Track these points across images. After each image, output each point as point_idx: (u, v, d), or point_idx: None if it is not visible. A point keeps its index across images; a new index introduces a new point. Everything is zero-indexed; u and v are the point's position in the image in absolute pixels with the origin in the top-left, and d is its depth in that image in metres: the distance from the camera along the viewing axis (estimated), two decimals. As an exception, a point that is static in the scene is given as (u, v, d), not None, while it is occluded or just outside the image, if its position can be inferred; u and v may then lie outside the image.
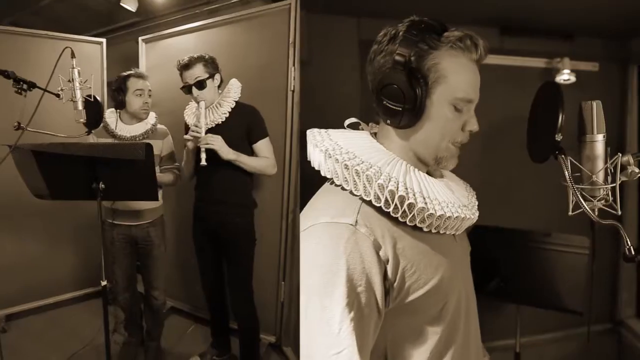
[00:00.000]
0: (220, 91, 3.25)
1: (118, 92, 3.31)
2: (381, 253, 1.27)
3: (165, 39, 4.21)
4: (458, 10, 2.58)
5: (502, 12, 3.12)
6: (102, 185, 2.52)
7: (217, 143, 2.96)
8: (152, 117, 3.47)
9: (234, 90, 3.22)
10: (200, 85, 3.09)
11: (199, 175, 3.26)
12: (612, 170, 1.46)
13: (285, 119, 3.52)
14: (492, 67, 2.84)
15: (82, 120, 2.63)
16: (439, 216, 1.32)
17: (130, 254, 3.46)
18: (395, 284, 1.30)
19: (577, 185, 1.44)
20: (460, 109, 1.35)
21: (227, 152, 2.99)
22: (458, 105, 1.35)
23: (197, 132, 3.00)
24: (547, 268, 2.79)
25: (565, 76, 3.38)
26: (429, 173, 1.49)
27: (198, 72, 3.10)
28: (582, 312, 2.68)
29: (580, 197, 1.41)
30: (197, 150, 3.02)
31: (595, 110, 1.46)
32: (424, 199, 1.31)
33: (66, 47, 2.54)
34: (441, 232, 1.38)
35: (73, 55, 2.55)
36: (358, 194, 1.32)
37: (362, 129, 1.56)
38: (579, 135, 1.49)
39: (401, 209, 1.29)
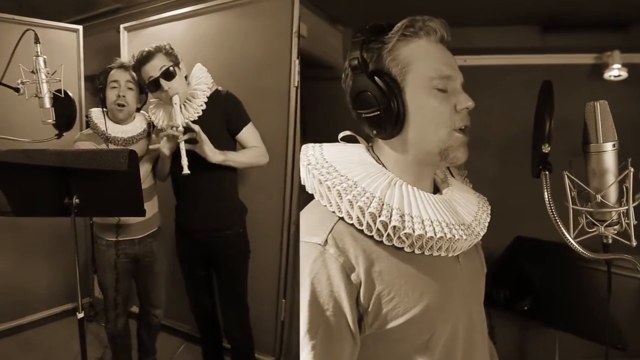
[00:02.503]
0: (189, 82, 2.81)
1: (101, 88, 2.84)
2: (353, 276, 1.20)
3: (150, 26, 3.77)
4: (495, 9, 2.53)
5: (542, 8, 2.78)
6: (76, 200, 2.12)
7: (203, 142, 2.56)
8: (144, 115, 3.05)
9: (204, 76, 2.80)
10: (168, 74, 2.63)
11: (177, 180, 2.84)
12: (627, 188, 1.26)
13: (288, 118, 3.12)
14: (533, 67, 2.76)
15: (50, 120, 2.18)
16: (419, 236, 1.20)
17: (130, 273, 3.08)
18: (370, 309, 1.23)
19: (579, 207, 1.31)
20: (443, 89, 1.25)
21: (213, 153, 2.58)
22: (439, 86, 1.24)
23: (175, 131, 2.56)
24: (588, 290, 2.51)
25: (614, 72, 2.90)
26: (436, 185, 1.45)
27: (160, 61, 2.64)
28: (626, 348, 2.35)
29: (584, 220, 1.31)
30: (175, 155, 2.63)
31: (600, 112, 1.27)
32: (402, 216, 1.21)
33: (27, 30, 2.02)
34: (430, 253, 1.26)
35: (37, 40, 2.07)
36: (332, 211, 1.26)
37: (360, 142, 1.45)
38: (583, 144, 1.31)
39: (374, 227, 1.21)
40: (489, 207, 1.47)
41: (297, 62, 3.01)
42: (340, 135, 1.45)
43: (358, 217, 1.21)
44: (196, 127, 2.54)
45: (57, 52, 3.67)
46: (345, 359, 1.24)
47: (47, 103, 2.12)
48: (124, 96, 2.77)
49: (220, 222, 2.84)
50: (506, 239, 2.85)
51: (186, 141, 2.55)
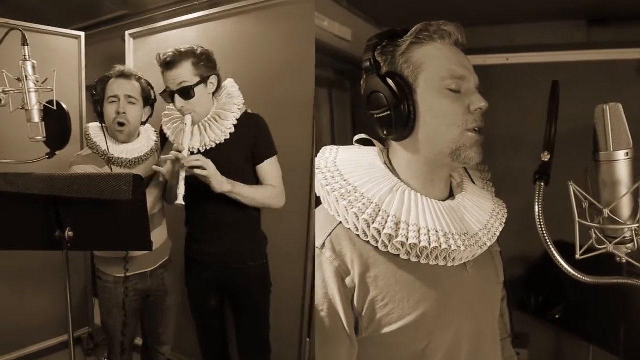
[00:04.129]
0: (216, 98, 2.45)
1: (98, 100, 2.45)
2: (347, 280, 1.23)
3: (158, 33, 3.43)
4: (537, 5, 2.46)
5: (587, 1, 2.63)
6: (69, 233, 1.82)
7: (209, 169, 2.20)
8: (150, 131, 2.67)
9: (236, 94, 2.44)
10: (186, 93, 2.27)
11: (190, 207, 2.42)
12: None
13: (313, 133, 2.78)
14: (578, 64, 2.65)
15: (39, 137, 1.80)
16: (413, 244, 1.20)
17: (139, 311, 2.69)
18: (364, 313, 1.25)
19: (586, 222, 1.21)
20: (456, 90, 1.24)
21: (220, 183, 2.23)
22: (451, 87, 1.24)
23: (177, 153, 2.21)
24: (627, 305, 2.31)
25: (666, 67, 2.73)
26: (451, 189, 1.43)
27: (184, 73, 2.27)
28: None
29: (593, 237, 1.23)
30: (188, 198, 2.27)
31: (610, 117, 1.16)
32: (397, 224, 1.21)
33: (12, 29, 1.65)
34: (427, 262, 1.25)
35: (25, 42, 1.69)
36: (332, 214, 1.29)
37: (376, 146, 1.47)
38: (593, 152, 1.22)
39: (369, 233, 1.22)
40: (505, 216, 1.43)
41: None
42: (356, 137, 1.48)
43: (354, 222, 1.23)
44: (203, 161, 2.19)
45: (58, 61, 3.32)
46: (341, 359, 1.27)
47: (36, 117, 1.74)
48: (124, 113, 2.38)
49: (241, 255, 2.49)
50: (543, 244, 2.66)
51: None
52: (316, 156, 1.44)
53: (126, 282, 2.50)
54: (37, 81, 1.72)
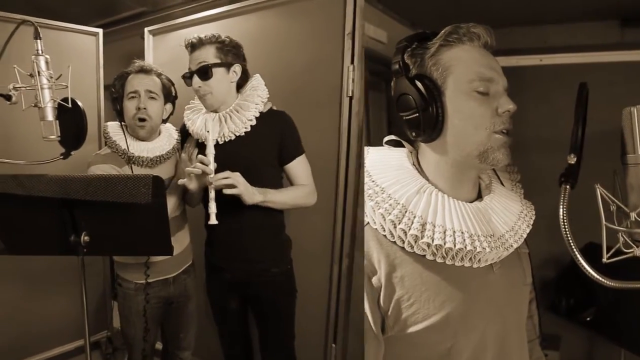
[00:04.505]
0: (241, 92, 2.35)
1: (117, 98, 2.34)
2: (374, 279, 1.25)
3: (178, 29, 3.34)
4: (570, 5, 2.41)
5: (622, 1, 2.55)
6: (85, 238, 1.70)
7: (239, 186, 2.08)
8: (172, 129, 2.55)
9: (260, 87, 2.33)
10: (204, 72, 2.17)
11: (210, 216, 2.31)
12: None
13: (339, 133, 2.64)
14: (612, 65, 2.54)
15: (53, 137, 1.69)
16: (438, 245, 1.21)
17: (160, 318, 2.58)
18: (390, 312, 1.27)
19: (613, 226, 1.18)
20: (484, 92, 1.24)
21: (251, 195, 2.13)
22: (479, 89, 1.24)
23: (204, 167, 2.09)
24: None
25: None
26: (480, 191, 1.43)
27: (206, 54, 2.19)
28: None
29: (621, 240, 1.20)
30: (204, 191, 2.20)
31: (638, 119, 1.14)
32: (423, 225, 1.22)
33: (23, 21, 1.54)
34: (452, 262, 1.25)
35: (37, 35, 1.56)
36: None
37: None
38: (621, 155, 1.20)
39: (395, 234, 1.23)
40: (532, 218, 1.43)
41: (351, 67, 2.55)
42: (386, 139, 1.48)
43: (380, 223, 1.25)
44: (234, 178, 2.08)
45: (75, 58, 3.21)
46: (369, 357, 1.29)
47: (50, 115, 1.63)
48: (144, 108, 2.27)
49: (265, 261, 2.37)
50: (578, 244, 2.57)
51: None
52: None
53: (147, 289, 2.39)
54: (51, 77, 1.61)
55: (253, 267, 2.35)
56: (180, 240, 2.46)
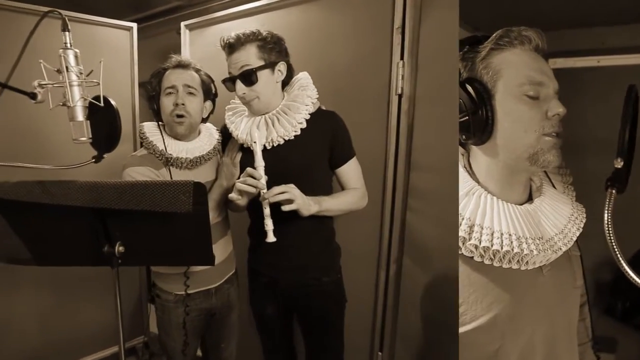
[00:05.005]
0: (287, 91, 2.19)
1: (154, 96, 2.20)
2: None
3: (216, 24, 3.20)
4: (628, 5, 2.31)
5: None
6: (119, 248, 1.56)
7: (296, 199, 1.94)
8: (212, 128, 2.40)
9: (310, 87, 2.17)
10: (249, 77, 2.00)
11: (256, 215, 2.18)
12: None
13: (387, 133, 2.51)
14: None
15: (83, 138, 1.51)
16: (485, 247, 1.24)
17: (201, 330, 2.44)
18: None
19: None
20: (534, 96, 1.26)
21: (307, 207, 1.99)
22: (529, 93, 1.26)
23: (255, 183, 1.95)
24: None
25: None
26: (531, 193, 1.44)
27: (247, 56, 2.00)
28: None
29: None
30: (253, 205, 2.07)
31: None
32: (471, 227, 1.26)
33: (50, 11, 1.38)
34: (500, 264, 1.28)
35: (65, 27, 1.41)
36: None
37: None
38: None
39: None
40: (583, 220, 1.43)
41: (400, 63, 2.40)
42: None
43: None
44: (291, 192, 1.93)
45: (108, 54, 3.08)
46: None
47: (80, 114, 1.46)
48: (182, 104, 2.12)
49: (315, 270, 2.24)
50: (631, 249, 2.58)
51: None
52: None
53: (187, 301, 2.25)
54: (81, 73, 1.45)
55: (303, 276, 2.22)
56: (223, 248, 2.32)
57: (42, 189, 1.34)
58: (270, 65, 2.03)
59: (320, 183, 2.17)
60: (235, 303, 2.48)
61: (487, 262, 1.27)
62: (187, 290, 2.21)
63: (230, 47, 2.01)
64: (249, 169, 1.94)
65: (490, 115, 1.28)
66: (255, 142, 1.95)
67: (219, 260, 2.23)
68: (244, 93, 2.01)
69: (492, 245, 1.24)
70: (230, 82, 2.05)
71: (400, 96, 2.43)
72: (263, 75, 2.01)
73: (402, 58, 2.42)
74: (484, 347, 1.30)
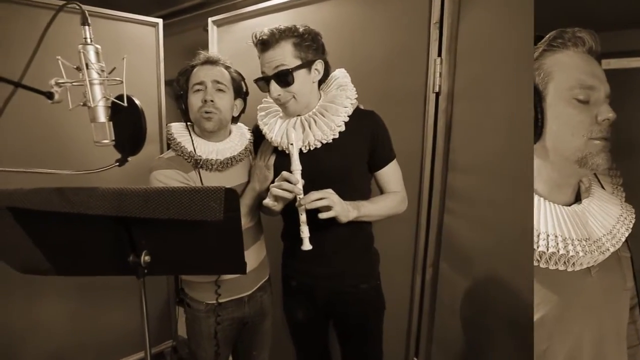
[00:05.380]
0: (323, 90, 2.07)
1: (181, 95, 2.09)
2: None
3: (245, 19, 3.09)
4: None
5: None
6: (145, 258, 1.45)
7: (335, 206, 1.82)
8: (244, 128, 2.31)
9: (349, 86, 2.03)
10: (284, 78, 1.87)
11: (290, 219, 2.05)
12: None
13: (424, 133, 2.45)
14: None
15: (106, 141, 1.38)
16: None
17: (233, 339, 2.35)
18: None
19: None
20: (584, 100, 1.28)
21: (346, 213, 1.87)
22: (579, 96, 1.27)
23: (291, 188, 1.82)
24: None
25: None
26: (578, 193, 1.44)
27: (282, 55, 1.86)
28: None
29: None
30: (288, 209, 1.95)
31: None
32: None
33: (67, 3, 1.27)
34: (546, 266, 1.29)
35: (85, 21, 1.29)
36: None
37: None
38: None
39: None
40: (632, 221, 1.41)
41: (438, 60, 2.35)
42: None
43: None
44: (329, 199, 1.81)
45: (132, 51, 2.99)
46: None
47: (102, 115, 1.34)
48: (212, 100, 2.00)
49: (354, 277, 2.13)
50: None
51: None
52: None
53: (219, 310, 2.16)
54: (102, 71, 1.33)
55: (340, 283, 2.12)
56: (255, 254, 2.23)
57: (60, 197, 1.23)
58: (307, 64, 1.90)
59: (359, 187, 2.06)
60: (268, 310, 2.39)
61: (534, 263, 1.29)
62: (219, 300, 2.13)
63: (264, 44, 1.87)
64: (285, 174, 1.83)
65: (540, 117, 1.30)
66: (292, 145, 1.83)
67: (252, 267, 2.16)
68: (279, 95, 1.89)
69: (538, 247, 1.27)
70: (263, 82, 1.93)
71: (437, 94, 2.36)
72: (299, 76, 1.88)
73: (439, 55, 2.33)
74: (531, 347, 1.32)
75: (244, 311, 2.25)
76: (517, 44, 2.05)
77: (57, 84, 1.25)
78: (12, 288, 2.74)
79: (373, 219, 2.06)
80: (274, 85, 1.88)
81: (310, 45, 1.90)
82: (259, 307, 2.31)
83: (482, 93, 2.23)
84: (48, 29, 1.24)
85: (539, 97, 1.30)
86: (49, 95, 1.24)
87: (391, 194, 2.10)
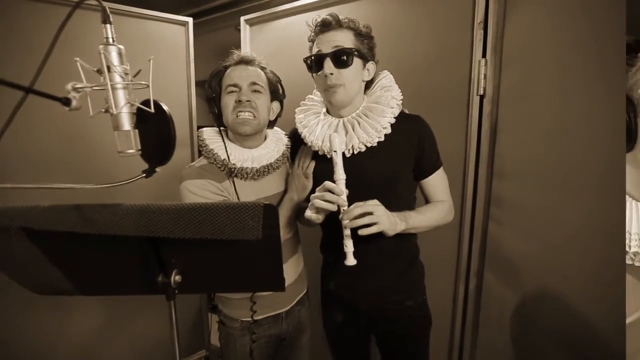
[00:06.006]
0: (365, 93, 1.97)
1: (214, 98, 1.96)
2: None
3: (279, 18, 2.98)
4: None
5: None
6: (176, 278, 1.32)
7: (381, 220, 1.69)
8: (280, 133, 2.17)
9: (394, 88, 1.93)
10: (343, 57, 1.78)
11: (330, 229, 2.00)
12: None
13: (467, 137, 2.37)
14: None
15: (131, 151, 1.24)
16: (634, 253, 1.28)
17: (269, 358, 2.20)
18: None
19: None
20: None
21: (394, 226, 1.76)
22: None
23: (335, 200, 1.70)
24: None
25: None
26: None
27: (343, 38, 1.80)
28: None
29: None
30: (328, 219, 1.81)
31: None
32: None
33: (82, 1, 1.13)
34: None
35: (107, 19, 1.16)
36: None
37: None
38: None
39: None
40: None
41: (482, 62, 2.28)
42: None
43: None
44: (376, 214, 1.69)
45: (161, 52, 2.86)
46: None
47: (126, 123, 1.20)
48: (248, 101, 1.87)
49: (400, 293, 2.03)
50: None
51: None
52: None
53: (254, 327, 2.05)
54: (127, 74, 1.19)
55: (384, 299, 2.01)
56: (293, 268, 2.11)
57: (79, 215, 1.09)
58: (364, 58, 1.83)
59: (405, 195, 1.97)
60: (306, 325, 2.27)
61: (637, 264, 1.29)
62: (254, 317, 2.01)
63: (325, 25, 1.81)
64: (328, 184, 1.70)
65: (634, 126, 1.26)
66: (335, 152, 1.70)
67: (290, 282, 2.05)
68: (331, 74, 1.79)
69: (630, 248, 1.28)
70: (315, 61, 1.83)
71: (482, 97, 2.30)
72: (356, 64, 1.82)
73: (484, 56, 2.27)
74: (633, 343, 1.31)
75: (281, 328, 2.13)
76: (567, 45, 1.99)
77: (75, 89, 1.11)
78: (40, 300, 2.63)
79: (420, 230, 1.95)
80: (328, 63, 1.79)
81: (368, 43, 1.86)
82: (297, 322, 2.20)
83: (529, 96, 2.15)
84: (64, 28, 1.10)
85: (632, 107, 1.25)
86: (66, 102, 1.10)
87: (439, 203, 1.99)
